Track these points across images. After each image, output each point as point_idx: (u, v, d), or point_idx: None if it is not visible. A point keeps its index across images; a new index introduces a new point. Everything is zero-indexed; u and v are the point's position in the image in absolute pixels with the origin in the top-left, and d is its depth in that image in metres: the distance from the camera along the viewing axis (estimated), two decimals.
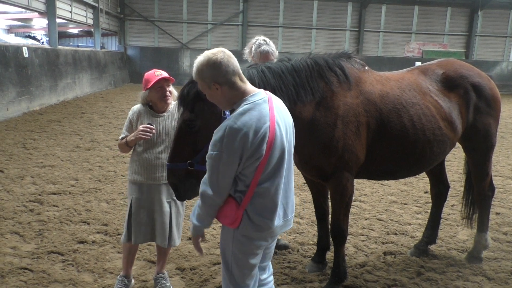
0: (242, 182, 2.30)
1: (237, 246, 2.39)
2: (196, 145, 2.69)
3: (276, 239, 2.66)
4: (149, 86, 3.28)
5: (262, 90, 2.40)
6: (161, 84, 3.29)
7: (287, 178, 2.41)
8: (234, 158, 2.20)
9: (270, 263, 2.71)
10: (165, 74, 3.31)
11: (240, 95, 2.31)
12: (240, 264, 2.42)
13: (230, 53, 2.34)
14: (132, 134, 3.29)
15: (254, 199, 2.31)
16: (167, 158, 2.81)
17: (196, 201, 2.42)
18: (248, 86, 2.36)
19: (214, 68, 2.26)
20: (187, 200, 3.13)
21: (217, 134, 2.23)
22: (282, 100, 2.98)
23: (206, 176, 2.30)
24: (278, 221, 2.38)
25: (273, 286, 2.73)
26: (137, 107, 3.45)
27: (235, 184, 2.32)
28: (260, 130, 2.21)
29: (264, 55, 4.00)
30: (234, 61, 2.32)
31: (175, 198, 3.32)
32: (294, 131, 2.54)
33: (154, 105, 3.39)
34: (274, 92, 2.97)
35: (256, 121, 2.21)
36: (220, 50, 2.32)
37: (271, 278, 2.71)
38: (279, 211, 2.38)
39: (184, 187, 2.78)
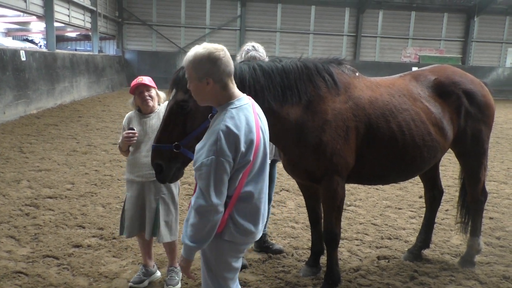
0: (228, 187, 2.30)
1: (220, 251, 2.38)
2: (185, 127, 2.73)
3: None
4: (130, 92, 3.66)
5: (245, 95, 2.41)
6: (140, 90, 3.59)
7: (264, 179, 2.42)
8: (229, 161, 2.18)
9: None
10: (145, 80, 3.59)
11: (228, 97, 2.31)
12: (225, 268, 2.42)
13: (228, 53, 2.32)
14: (120, 140, 3.60)
15: (238, 204, 2.32)
16: (154, 140, 2.85)
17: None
18: (235, 90, 2.37)
19: (214, 63, 2.23)
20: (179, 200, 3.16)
21: (209, 139, 2.20)
22: (268, 100, 3.02)
23: (200, 188, 2.21)
24: (261, 224, 2.42)
25: None
26: (129, 113, 3.78)
27: None
28: (248, 135, 2.23)
29: (251, 61, 4.03)
30: (232, 62, 2.32)
31: (163, 195, 3.60)
32: (267, 130, 2.54)
33: (141, 108, 3.69)
34: (262, 90, 3.02)
35: (245, 126, 2.23)
36: (222, 47, 2.30)
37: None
38: (261, 215, 2.41)
39: (168, 170, 2.78)
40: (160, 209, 3.59)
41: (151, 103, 3.59)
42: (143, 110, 3.65)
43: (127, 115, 3.76)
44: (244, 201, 2.32)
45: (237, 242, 2.38)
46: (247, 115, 2.27)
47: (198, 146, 2.28)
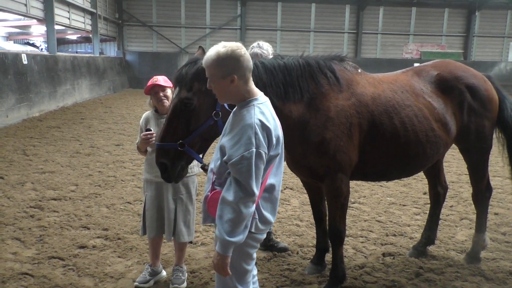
0: None
1: (243, 243, 2.35)
2: (189, 125, 2.74)
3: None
4: (145, 93, 3.64)
5: (262, 92, 2.47)
6: (156, 90, 3.58)
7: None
8: (266, 152, 2.26)
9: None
10: (160, 80, 3.57)
11: (250, 93, 2.37)
12: (245, 260, 2.47)
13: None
14: (138, 140, 3.63)
15: (263, 195, 2.40)
16: (157, 138, 2.86)
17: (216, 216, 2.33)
18: (254, 85, 2.42)
19: (238, 60, 2.28)
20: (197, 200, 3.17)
21: (245, 134, 2.21)
22: (271, 97, 3.06)
23: (236, 181, 2.21)
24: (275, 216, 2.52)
25: (258, 286, 2.78)
26: (146, 113, 3.77)
27: None
28: (276, 129, 2.33)
29: (253, 58, 4.05)
30: (251, 59, 2.39)
31: (181, 196, 3.62)
32: (284, 131, 2.63)
33: (157, 109, 3.68)
34: (265, 87, 3.03)
35: (273, 121, 2.32)
36: (240, 45, 2.35)
37: (255, 278, 2.77)
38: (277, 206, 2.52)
39: (173, 168, 2.79)
40: (178, 209, 3.61)
41: (166, 103, 3.57)
42: (159, 111, 3.64)
43: (144, 115, 3.77)
44: (268, 192, 2.41)
45: (258, 233, 2.44)
46: (271, 111, 2.37)
47: (229, 143, 2.27)
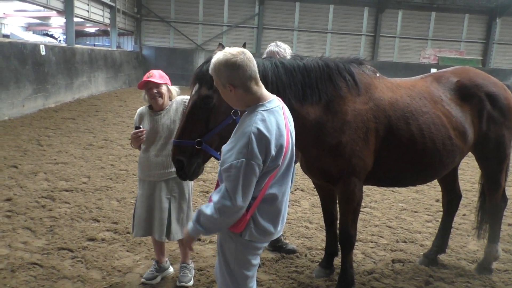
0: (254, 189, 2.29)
1: (240, 251, 2.39)
2: (208, 123, 2.70)
3: None
4: (138, 87, 3.53)
5: (275, 97, 2.39)
6: (149, 86, 3.47)
7: (287, 182, 2.43)
8: (259, 164, 2.16)
9: None
10: (156, 75, 3.47)
11: (255, 99, 2.29)
12: (244, 266, 2.43)
13: (250, 56, 2.28)
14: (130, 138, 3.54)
15: (262, 205, 2.32)
16: (175, 135, 2.83)
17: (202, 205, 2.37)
18: (263, 91, 2.33)
19: (232, 69, 2.21)
20: (192, 199, 3.16)
21: (240, 141, 2.17)
22: (290, 98, 3.00)
23: (226, 188, 2.19)
24: (280, 226, 2.42)
25: None
26: (141, 109, 3.68)
27: None
28: (279, 139, 2.22)
29: (269, 56, 4.02)
30: (253, 65, 2.27)
31: (175, 194, 3.55)
32: (300, 133, 2.59)
33: (152, 105, 3.59)
34: (284, 88, 2.99)
35: (276, 129, 2.21)
36: (241, 51, 2.26)
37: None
38: (283, 216, 2.42)
39: (189, 166, 2.76)
40: (172, 208, 3.55)
41: (160, 101, 3.48)
42: (153, 107, 3.56)
43: (138, 110, 3.68)
44: (267, 202, 2.32)
45: (256, 241, 2.38)
46: (278, 118, 2.25)
47: (226, 148, 2.26)
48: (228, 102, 2.37)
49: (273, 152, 2.19)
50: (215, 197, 2.23)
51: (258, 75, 2.31)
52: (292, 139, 2.37)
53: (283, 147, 2.24)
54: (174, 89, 3.61)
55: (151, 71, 3.54)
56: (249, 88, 2.26)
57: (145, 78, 3.45)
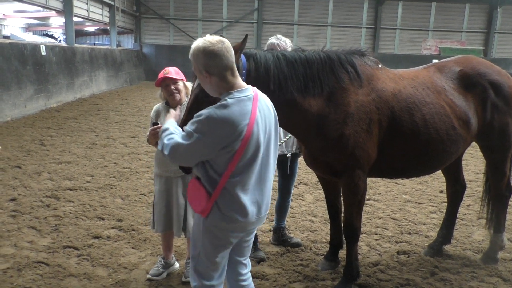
0: (213, 170, 2.36)
1: (207, 236, 2.46)
2: None
3: (253, 235, 2.68)
4: (156, 85, 3.56)
5: (250, 86, 2.42)
6: (167, 83, 3.50)
7: (262, 175, 2.45)
8: (205, 144, 2.26)
9: (249, 258, 2.75)
10: (172, 72, 3.50)
11: (228, 88, 2.35)
12: (208, 254, 2.48)
13: (228, 46, 2.33)
14: (148, 134, 3.53)
15: (225, 191, 2.35)
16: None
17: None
18: (238, 82, 2.38)
19: (209, 57, 2.29)
20: None
21: (197, 116, 2.28)
22: (291, 90, 3.01)
23: (182, 135, 2.33)
24: (251, 216, 2.43)
25: (251, 282, 2.75)
26: (157, 106, 3.71)
27: (205, 170, 2.38)
28: (238, 127, 2.25)
29: (270, 48, 4.01)
30: (230, 55, 2.33)
31: None
32: (278, 128, 2.56)
33: (168, 102, 3.61)
34: (286, 80, 3.00)
35: (235, 117, 2.25)
36: (220, 40, 2.32)
37: (249, 273, 2.75)
38: (252, 207, 2.42)
39: None
40: (188, 205, 3.55)
41: (178, 97, 3.51)
42: (171, 104, 3.57)
43: (155, 107, 3.71)
44: (231, 189, 2.35)
45: (222, 228, 2.43)
46: (243, 107, 2.29)
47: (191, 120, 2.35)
48: (203, 88, 2.44)
49: (225, 137, 2.25)
50: (176, 137, 2.33)
51: (235, 66, 2.37)
52: (259, 129, 2.34)
53: (240, 135, 2.26)
54: (190, 85, 3.62)
55: (166, 68, 3.57)
56: (224, 77, 2.33)
57: (161, 75, 3.49)
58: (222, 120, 2.23)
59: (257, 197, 2.45)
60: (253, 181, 2.41)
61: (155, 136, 3.35)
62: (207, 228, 2.45)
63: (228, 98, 2.30)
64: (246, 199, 2.39)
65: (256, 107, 2.34)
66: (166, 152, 2.36)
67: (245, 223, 2.43)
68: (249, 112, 2.29)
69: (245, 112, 2.28)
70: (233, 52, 2.36)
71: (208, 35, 2.37)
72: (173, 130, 2.45)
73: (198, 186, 2.42)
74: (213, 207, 2.38)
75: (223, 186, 2.34)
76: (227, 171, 2.32)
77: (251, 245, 2.71)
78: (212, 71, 2.31)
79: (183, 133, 2.36)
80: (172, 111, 2.80)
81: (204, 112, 2.27)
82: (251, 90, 2.39)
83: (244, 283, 2.68)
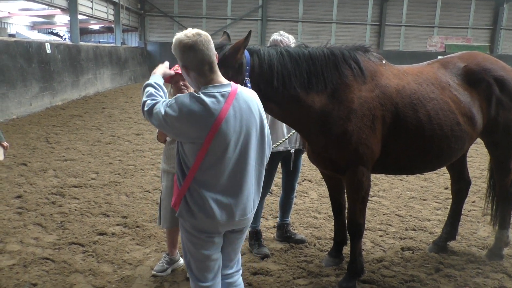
0: (184, 163, 2.35)
1: (186, 235, 2.45)
2: None
3: (240, 241, 2.60)
4: (165, 82, 3.44)
5: (231, 83, 2.35)
6: (176, 79, 3.50)
7: (238, 179, 2.34)
8: (170, 126, 2.26)
9: (240, 258, 2.70)
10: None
11: (206, 83, 2.31)
12: (192, 254, 2.47)
13: (206, 39, 2.26)
14: (157, 130, 3.57)
15: (192, 187, 2.33)
16: None
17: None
18: (217, 77, 2.32)
19: (183, 51, 2.26)
20: None
21: (171, 99, 2.28)
22: (295, 86, 2.99)
23: (164, 102, 2.31)
24: (220, 219, 2.33)
25: (241, 281, 2.70)
26: None
27: (179, 162, 2.38)
28: (202, 122, 2.21)
29: (273, 44, 4.00)
30: (207, 48, 2.25)
31: None
32: (265, 129, 2.44)
33: None
34: (289, 76, 2.99)
35: (201, 112, 2.20)
36: (196, 33, 2.26)
37: (239, 273, 2.69)
38: (220, 209, 2.32)
39: None
40: None
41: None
42: None
43: None
44: (198, 186, 2.32)
45: (194, 226, 2.38)
46: (212, 104, 2.22)
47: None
48: (187, 80, 2.44)
49: (187, 129, 2.23)
50: (159, 104, 2.32)
51: (213, 60, 2.30)
52: (229, 127, 2.25)
53: (207, 127, 2.21)
54: None
55: (176, 65, 3.57)
56: (202, 71, 2.28)
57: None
58: (188, 112, 2.20)
59: (230, 201, 2.33)
60: (224, 182, 2.31)
61: (164, 134, 3.41)
62: (183, 227, 2.44)
63: (202, 92, 2.25)
64: (212, 199, 2.31)
65: (229, 105, 2.25)
66: (145, 108, 2.36)
67: (213, 223, 2.34)
68: (218, 109, 2.22)
69: (213, 109, 2.21)
70: (212, 46, 2.28)
71: (189, 29, 2.32)
72: (158, 89, 2.47)
73: (175, 179, 2.44)
74: (182, 200, 2.36)
75: (190, 180, 2.31)
76: (194, 165, 2.28)
77: (240, 246, 2.63)
78: (188, 65, 2.28)
79: (165, 101, 2.33)
80: (165, 63, 2.81)
81: (181, 97, 2.26)
82: (229, 87, 2.30)
83: (229, 280, 2.62)
